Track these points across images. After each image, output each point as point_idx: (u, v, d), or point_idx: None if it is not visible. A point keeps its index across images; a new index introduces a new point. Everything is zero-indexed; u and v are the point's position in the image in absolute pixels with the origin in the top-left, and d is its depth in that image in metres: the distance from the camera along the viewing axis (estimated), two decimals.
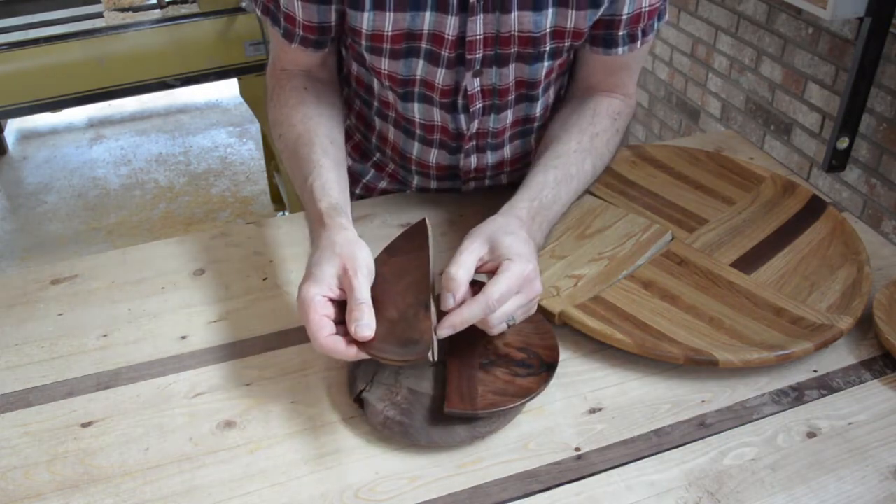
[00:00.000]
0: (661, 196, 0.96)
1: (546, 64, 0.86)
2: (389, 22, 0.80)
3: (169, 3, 2.60)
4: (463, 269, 0.68)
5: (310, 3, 0.82)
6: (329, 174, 0.79)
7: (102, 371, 0.75)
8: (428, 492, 0.63)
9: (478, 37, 0.81)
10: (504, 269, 0.68)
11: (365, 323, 0.64)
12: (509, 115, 0.92)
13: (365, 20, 0.80)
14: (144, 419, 0.70)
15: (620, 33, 0.85)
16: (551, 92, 0.94)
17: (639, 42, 0.87)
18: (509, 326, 0.70)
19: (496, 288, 0.66)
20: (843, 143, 1.68)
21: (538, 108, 0.93)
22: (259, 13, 0.90)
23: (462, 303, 0.67)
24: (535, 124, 0.95)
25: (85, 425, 0.70)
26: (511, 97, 0.90)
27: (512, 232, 0.73)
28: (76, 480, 0.65)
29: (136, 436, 0.69)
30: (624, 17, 0.84)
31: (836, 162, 1.73)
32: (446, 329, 0.66)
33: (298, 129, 0.85)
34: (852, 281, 0.81)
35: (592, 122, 0.89)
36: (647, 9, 0.84)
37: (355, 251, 0.68)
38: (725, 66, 2.26)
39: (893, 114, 1.70)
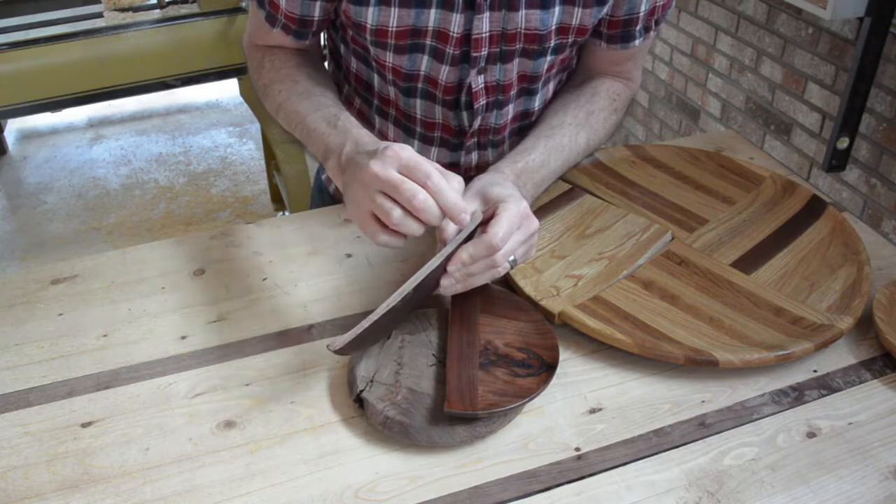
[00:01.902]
0: (661, 196, 0.96)
1: (549, 59, 0.87)
2: (394, 18, 0.80)
3: (169, 3, 2.60)
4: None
5: None
6: (358, 123, 0.79)
7: (102, 371, 0.75)
8: (428, 492, 0.63)
9: (483, 34, 0.82)
10: (501, 210, 0.71)
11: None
12: (510, 111, 0.93)
13: (369, 15, 0.80)
14: (144, 419, 0.70)
15: (637, 28, 0.87)
16: (550, 86, 0.95)
17: (652, 32, 0.89)
18: (511, 267, 0.73)
19: (497, 228, 0.70)
20: (843, 143, 1.68)
21: (537, 102, 0.94)
22: None
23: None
24: (534, 118, 0.96)
25: (85, 425, 0.70)
26: (513, 92, 0.90)
27: (499, 183, 0.77)
28: (76, 480, 0.65)
29: (136, 436, 0.69)
30: (642, 13, 0.86)
31: (836, 162, 1.72)
32: (456, 264, 0.70)
33: (306, 84, 0.85)
34: (852, 281, 0.81)
35: (591, 100, 0.92)
36: (661, 2, 0.86)
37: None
38: (725, 66, 2.26)
39: (893, 114, 1.70)
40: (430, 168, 0.66)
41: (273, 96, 0.87)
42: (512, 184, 0.78)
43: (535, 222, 0.74)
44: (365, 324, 0.65)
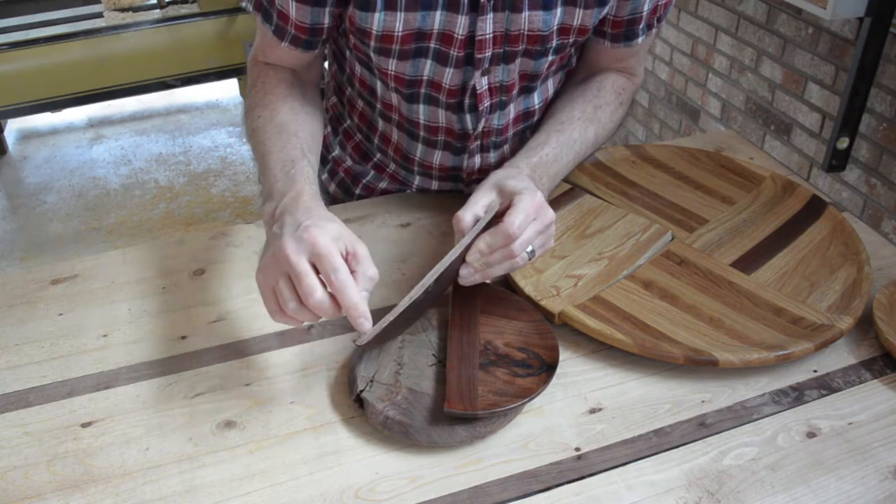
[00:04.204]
0: (661, 196, 0.96)
1: (550, 58, 0.87)
2: (400, 22, 0.80)
3: (169, 3, 2.60)
4: (470, 212, 0.73)
5: (304, 4, 0.82)
6: (313, 174, 0.78)
7: (102, 371, 0.75)
8: (428, 492, 0.63)
9: (487, 35, 0.82)
10: (516, 201, 0.72)
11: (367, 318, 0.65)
12: (512, 111, 0.93)
13: (375, 21, 0.80)
14: (144, 419, 0.70)
15: (640, 26, 0.88)
16: (549, 83, 0.95)
17: (654, 29, 0.90)
18: (530, 259, 0.74)
19: (514, 217, 0.71)
20: (843, 143, 1.68)
21: (537, 100, 0.94)
22: (251, 9, 0.89)
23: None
24: (535, 118, 0.96)
25: (85, 425, 0.70)
26: (514, 91, 0.90)
27: (514, 176, 0.77)
28: (76, 480, 0.65)
29: (136, 436, 0.69)
30: (645, 13, 0.86)
31: (836, 162, 1.72)
32: (474, 254, 0.71)
33: (284, 118, 0.84)
34: (852, 281, 0.81)
35: (597, 94, 0.93)
36: (663, 0, 0.86)
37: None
38: (725, 66, 2.26)
39: (893, 114, 1.70)
40: (338, 263, 0.64)
41: (252, 119, 0.86)
42: (528, 177, 0.79)
43: (550, 213, 0.74)
44: (389, 317, 0.66)
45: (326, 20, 0.84)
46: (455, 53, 0.83)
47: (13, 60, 2.02)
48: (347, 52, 0.94)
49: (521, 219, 0.71)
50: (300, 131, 0.83)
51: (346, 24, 0.85)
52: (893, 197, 1.74)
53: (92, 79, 2.09)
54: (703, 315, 0.78)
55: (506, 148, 0.98)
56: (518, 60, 0.86)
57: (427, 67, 0.85)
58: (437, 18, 0.80)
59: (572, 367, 0.75)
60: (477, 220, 0.73)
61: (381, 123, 0.98)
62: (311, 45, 0.87)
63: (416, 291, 0.67)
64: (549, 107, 0.96)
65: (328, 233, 0.65)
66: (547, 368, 0.71)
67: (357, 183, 1.06)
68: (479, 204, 0.74)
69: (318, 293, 0.63)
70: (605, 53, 0.94)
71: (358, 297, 0.64)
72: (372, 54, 0.85)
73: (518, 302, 0.79)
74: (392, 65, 0.85)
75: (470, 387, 0.68)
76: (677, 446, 0.67)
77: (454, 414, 0.66)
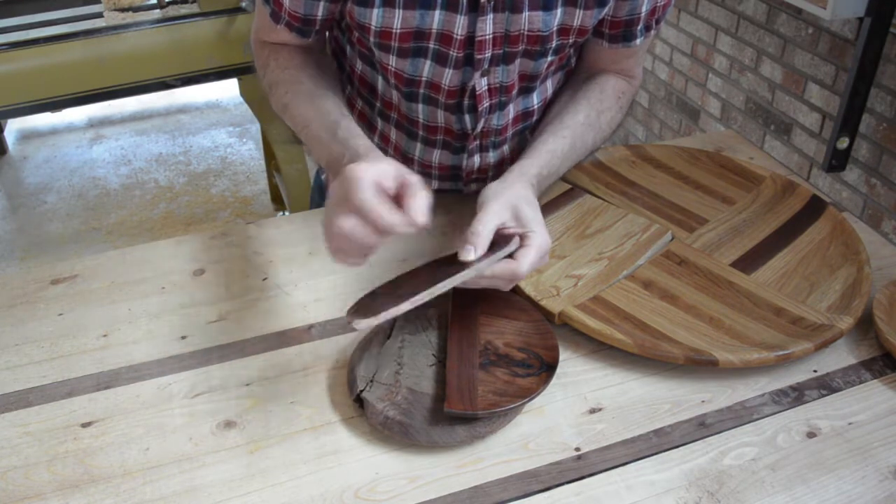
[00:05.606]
0: (661, 196, 0.96)
1: (549, 59, 0.87)
2: (398, 19, 0.80)
3: (169, 3, 2.59)
4: (486, 227, 0.72)
5: None
6: (357, 129, 0.79)
7: (102, 371, 0.76)
8: (428, 492, 0.63)
9: (487, 36, 0.82)
10: (531, 241, 0.73)
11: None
12: (511, 111, 0.93)
13: (374, 17, 0.80)
14: (144, 419, 0.70)
15: (639, 27, 0.88)
16: (548, 83, 0.95)
17: (652, 31, 0.90)
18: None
19: (527, 260, 0.71)
20: (843, 143, 1.68)
21: (536, 100, 0.94)
22: None
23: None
24: (534, 119, 0.96)
25: (85, 425, 0.70)
26: (514, 91, 0.90)
27: (531, 202, 0.77)
28: (76, 480, 0.65)
29: (136, 436, 0.69)
30: (643, 14, 0.86)
31: (836, 162, 1.72)
32: (472, 271, 0.70)
33: (308, 86, 0.85)
34: (852, 281, 0.81)
35: (600, 98, 0.93)
36: (662, 1, 0.86)
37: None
38: (725, 66, 2.26)
39: (893, 114, 1.70)
40: (374, 211, 0.65)
41: (279, 97, 0.88)
42: (534, 196, 0.79)
43: (549, 244, 0.75)
44: (393, 312, 0.65)
45: (320, 13, 0.84)
46: (454, 54, 0.83)
47: (13, 60, 2.01)
48: (348, 49, 0.94)
49: (532, 261, 0.72)
50: (329, 93, 0.85)
51: (347, 20, 0.85)
52: (893, 197, 1.74)
53: (92, 79, 2.09)
54: (703, 315, 0.78)
55: (505, 148, 0.98)
56: (517, 61, 0.86)
57: (426, 68, 0.85)
58: (436, 18, 0.80)
59: (572, 367, 0.75)
60: (490, 236, 0.72)
61: (380, 123, 0.98)
62: (305, 32, 0.88)
63: (423, 297, 0.66)
64: (552, 108, 0.95)
65: (364, 168, 0.65)
66: (547, 368, 0.71)
67: None
68: (495, 220, 0.73)
69: (379, 217, 0.65)
70: (603, 54, 0.93)
71: (393, 217, 0.65)
72: (374, 49, 0.85)
73: (518, 302, 0.79)
74: (392, 61, 0.85)
75: (470, 387, 0.68)
76: (677, 446, 0.67)
77: (454, 414, 0.66)
